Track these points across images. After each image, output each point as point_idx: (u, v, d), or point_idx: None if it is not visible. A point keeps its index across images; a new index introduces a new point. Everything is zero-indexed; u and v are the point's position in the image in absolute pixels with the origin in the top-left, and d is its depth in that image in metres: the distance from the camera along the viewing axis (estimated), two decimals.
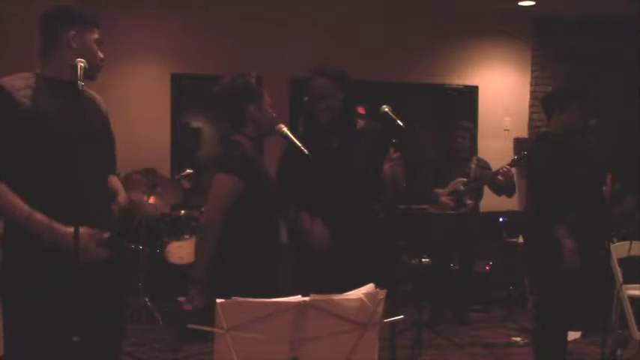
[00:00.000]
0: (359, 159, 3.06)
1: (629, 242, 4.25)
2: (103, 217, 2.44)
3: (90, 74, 2.39)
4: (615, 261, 4.22)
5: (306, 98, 3.07)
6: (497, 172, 5.09)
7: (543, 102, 3.94)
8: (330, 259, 2.92)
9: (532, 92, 7.16)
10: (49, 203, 2.28)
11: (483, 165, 5.64)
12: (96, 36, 2.46)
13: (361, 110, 4.22)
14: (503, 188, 5.26)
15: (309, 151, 2.64)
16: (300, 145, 2.51)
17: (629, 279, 4.36)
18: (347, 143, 3.07)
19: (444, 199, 5.39)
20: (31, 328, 2.30)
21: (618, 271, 4.22)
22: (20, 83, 2.32)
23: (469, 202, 5.40)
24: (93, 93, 2.60)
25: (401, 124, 2.88)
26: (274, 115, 2.77)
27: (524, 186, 3.98)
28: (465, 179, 5.45)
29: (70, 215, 2.20)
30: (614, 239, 4.46)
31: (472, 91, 7.19)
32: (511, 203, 6.62)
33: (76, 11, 2.46)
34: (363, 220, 3.05)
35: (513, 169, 5.02)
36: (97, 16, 2.51)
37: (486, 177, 5.35)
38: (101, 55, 2.49)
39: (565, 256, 3.48)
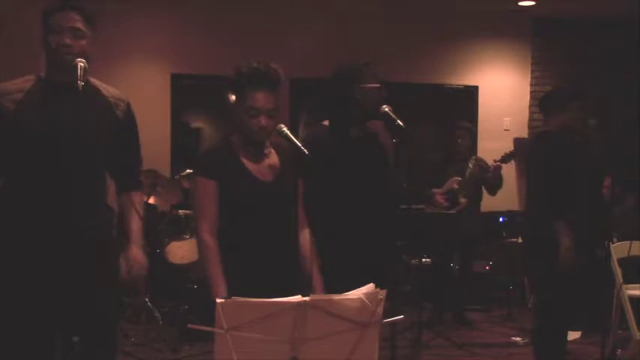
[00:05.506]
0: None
1: (629, 242, 4.23)
2: (83, 225, 2.43)
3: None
4: (615, 261, 4.21)
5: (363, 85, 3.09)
6: (487, 170, 5.38)
7: (541, 102, 3.93)
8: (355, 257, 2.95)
9: (532, 92, 7.16)
10: (25, 202, 2.30)
11: (482, 164, 5.65)
12: (53, 22, 2.29)
13: None
14: (491, 185, 5.52)
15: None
16: (299, 145, 2.49)
17: (629, 279, 4.35)
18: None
19: (437, 197, 5.41)
20: (11, 327, 2.30)
21: (618, 271, 4.21)
22: (14, 87, 2.30)
23: (462, 200, 5.42)
24: (113, 92, 2.55)
25: (401, 124, 2.88)
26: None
27: (524, 185, 3.97)
28: (459, 178, 5.48)
29: (44, 218, 2.24)
30: (614, 239, 4.44)
31: (472, 91, 7.19)
32: (511, 203, 6.64)
33: (46, 11, 2.33)
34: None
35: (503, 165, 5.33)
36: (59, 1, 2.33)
37: (477, 175, 5.46)
38: (66, 40, 2.28)
39: (560, 254, 3.47)
